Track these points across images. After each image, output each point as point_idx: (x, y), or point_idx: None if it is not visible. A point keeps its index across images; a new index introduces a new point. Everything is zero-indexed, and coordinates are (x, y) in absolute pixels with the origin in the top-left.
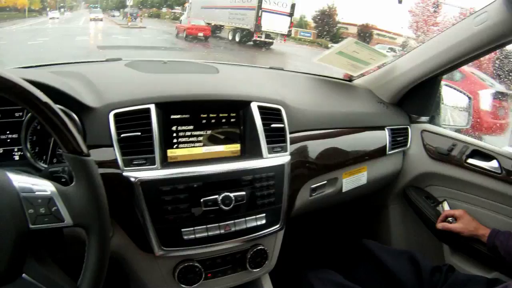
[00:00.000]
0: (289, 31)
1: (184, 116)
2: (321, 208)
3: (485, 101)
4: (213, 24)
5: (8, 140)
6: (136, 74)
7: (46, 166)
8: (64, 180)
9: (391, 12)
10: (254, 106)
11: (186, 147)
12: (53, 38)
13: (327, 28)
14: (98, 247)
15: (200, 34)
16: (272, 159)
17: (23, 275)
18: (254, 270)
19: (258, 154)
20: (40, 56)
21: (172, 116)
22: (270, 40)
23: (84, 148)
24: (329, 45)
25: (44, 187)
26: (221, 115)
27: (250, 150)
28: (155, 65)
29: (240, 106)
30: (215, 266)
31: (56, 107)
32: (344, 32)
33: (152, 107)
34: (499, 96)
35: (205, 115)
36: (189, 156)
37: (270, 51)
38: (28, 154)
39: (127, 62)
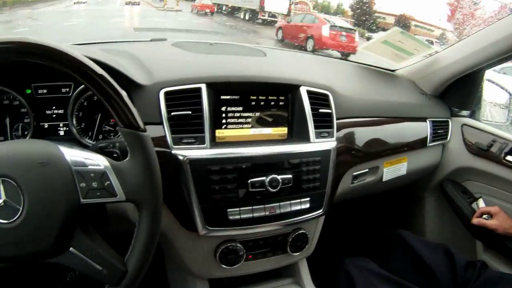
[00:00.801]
0: (289, 12)
1: (234, 97)
2: (360, 197)
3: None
4: (223, 4)
5: (54, 115)
6: (185, 54)
7: (91, 142)
8: (115, 155)
9: (429, 4)
10: (303, 91)
11: (235, 128)
12: (88, 19)
13: (364, 17)
14: (149, 223)
15: (207, 10)
16: (319, 144)
17: (71, 248)
18: (294, 254)
19: (305, 138)
20: (76, 36)
21: (222, 97)
22: (274, 19)
23: (141, 123)
24: (366, 34)
25: (98, 161)
26: (270, 97)
27: (297, 133)
28: (202, 46)
29: (289, 90)
30: (257, 248)
31: (113, 81)
32: (381, 22)
33: (203, 86)
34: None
35: (254, 97)
36: (237, 137)
37: None
38: (74, 130)
39: (173, 42)
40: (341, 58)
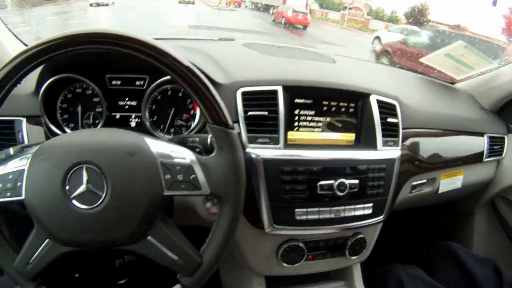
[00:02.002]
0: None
1: (307, 101)
2: (414, 207)
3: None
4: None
5: (126, 107)
6: (259, 56)
7: (162, 135)
8: (198, 150)
9: (483, 15)
10: (373, 99)
11: (306, 131)
12: (142, 15)
13: (417, 26)
14: (230, 218)
15: (236, 5)
16: (385, 152)
17: (149, 237)
18: (352, 257)
19: (372, 146)
20: (133, 31)
21: (296, 100)
22: None
23: (230, 121)
24: None
25: (184, 155)
26: (340, 104)
27: (365, 141)
28: (271, 48)
29: (359, 98)
30: (317, 249)
31: (204, 77)
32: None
33: (280, 89)
34: None
35: (326, 102)
36: (308, 140)
37: None
38: (147, 123)
39: (243, 43)
40: (405, 68)
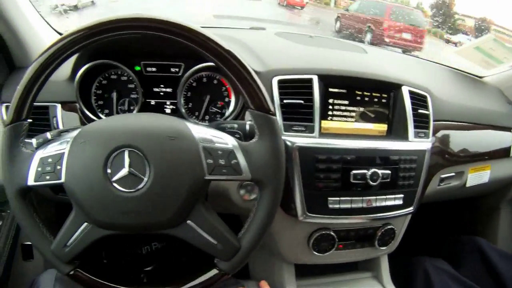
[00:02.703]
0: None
1: (341, 90)
2: (442, 200)
3: None
4: None
5: (162, 93)
6: (292, 45)
7: (197, 122)
8: (238, 136)
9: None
10: (405, 90)
11: (339, 121)
12: (162, 3)
13: (443, 18)
14: (270, 203)
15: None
16: (416, 143)
17: (188, 221)
18: (381, 248)
19: (403, 137)
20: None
21: (330, 89)
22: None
23: (271, 106)
24: (445, 36)
25: (226, 140)
26: (373, 94)
27: (396, 131)
28: (303, 38)
29: (391, 88)
30: (348, 238)
31: (246, 62)
32: (461, 24)
33: (315, 78)
34: None
35: (360, 92)
36: (341, 129)
37: None
38: (183, 109)
39: (275, 32)
40: (435, 62)
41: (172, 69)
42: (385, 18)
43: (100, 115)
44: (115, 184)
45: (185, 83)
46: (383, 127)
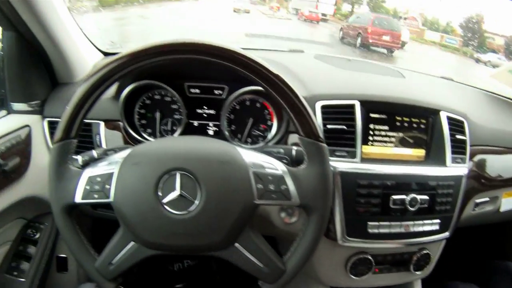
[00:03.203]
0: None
1: (381, 116)
2: (476, 224)
3: None
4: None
5: (205, 115)
6: (331, 69)
7: (239, 144)
8: (285, 161)
9: None
10: (443, 116)
11: (379, 146)
12: (194, 22)
13: (472, 37)
14: (316, 228)
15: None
16: (454, 169)
17: (236, 244)
18: (416, 272)
19: (441, 162)
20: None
21: (371, 115)
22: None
23: (321, 133)
24: (475, 55)
25: (275, 165)
26: (413, 119)
27: (434, 156)
28: (342, 61)
29: (430, 114)
30: (384, 262)
31: (296, 88)
32: (490, 43)
33: (357, 103)
34: None
35: (399, 118)
36: (381, 154)
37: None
38: (226, 132)
39: (314, 55)
40: (471, 86)
41: (216, 91)
42: (369, 25)
43: (143, 134)
44: (165, 206)
45: (229, 105)
46: (421, 152)
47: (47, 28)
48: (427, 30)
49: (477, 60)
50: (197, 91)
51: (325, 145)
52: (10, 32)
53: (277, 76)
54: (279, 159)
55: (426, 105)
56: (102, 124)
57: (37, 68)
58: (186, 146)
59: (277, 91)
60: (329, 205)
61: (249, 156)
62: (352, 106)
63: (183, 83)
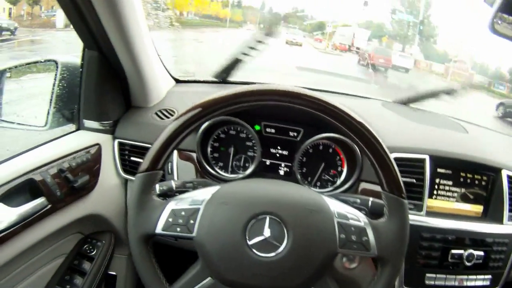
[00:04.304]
0: None
1: (447, 171)
2: None
3: None
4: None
5: (278, 155)
6: (401, 120)
7: (311, 188)
8: (364, 212)
9: None
10: (504, 174)
11: (442, 200)
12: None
13: None
14: (388, 280)
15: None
16: (510, 227)
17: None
18: None
19: (498, 219)
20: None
21: (439, 170)
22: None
23: (404, 190)
24: None
25: (359, 217)
26: (475, 176)
27: (492, 213)
28: (408, 112)
29: (492, 171)
30: None
31: (383, 142)
32: None
33: (427, 158)
34: None
35: (463, 174)
36: (443, 208)
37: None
38: (298, 175)
39: (381, 103)
40: None
41: (291, 133)
42: (372, 53)
43: (215, 167)
44: (251, 248)
45: (303, 149)
46: (479, 208)
47: (132, 51)
48: (476, 74)
49: None
50: (273, 130)
51: (406, 201)
52: (92, 51)
53: (369, 131)
54: (358, 209)
55: (490, 164)
56: (175, 153)
57: (114, 89)
58: (276, 191)
59: (364, 141)
60: (403, 258)
61: (335, 205)
62: (422, 161)
63: (260, 121)
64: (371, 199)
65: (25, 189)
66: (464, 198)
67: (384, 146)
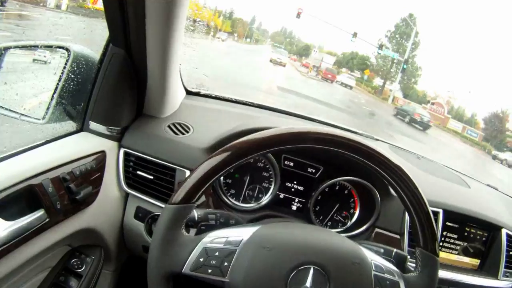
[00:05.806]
0: None
1: (454, 225)
2: None
3: None
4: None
5: (292, 189)
6: (412, 169)
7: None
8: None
9: None
10: (504, 232)
11: (446, 252)
12: (234, 63)
13: (494, 132)
14: None
15: (329, 76)
16: (504, 282)
17: None
18: None
19: (493, 274)
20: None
21: (447, 223)
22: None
23: (438, 248)
24: (492, 152)
25: (392, 270)
26: (478, 232)
27: (487, 267)
28: (413, 158)
29: (492, 228)
30: None
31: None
32: (510, 142)
33: (441, 212)
34: None
35: (468, 229)
36: (445, 260)
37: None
38: (312, 214)
39: (389, 146)
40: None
41: (309, 169)
42: (324, 70)
43: (227, 194)
44: None
45: (322, 187)
46: (476, 261)
47: (165, 57)
48: (451, 118)
49: (494, 157)
50: (292, 164)
51: (438, 259)
52: (118, 49)
53: (415, 186)
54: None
55: (493, 221)
56: (187, 173)
57: (130, 94)
58: (320, 240)
59: (410, 200)
60: None
61: (372, 257)
62: (436, 214)
63: (281, 154)
64: (394, 250)
65: (22, 198)
66: (465, 251)
67: (427, 204)
